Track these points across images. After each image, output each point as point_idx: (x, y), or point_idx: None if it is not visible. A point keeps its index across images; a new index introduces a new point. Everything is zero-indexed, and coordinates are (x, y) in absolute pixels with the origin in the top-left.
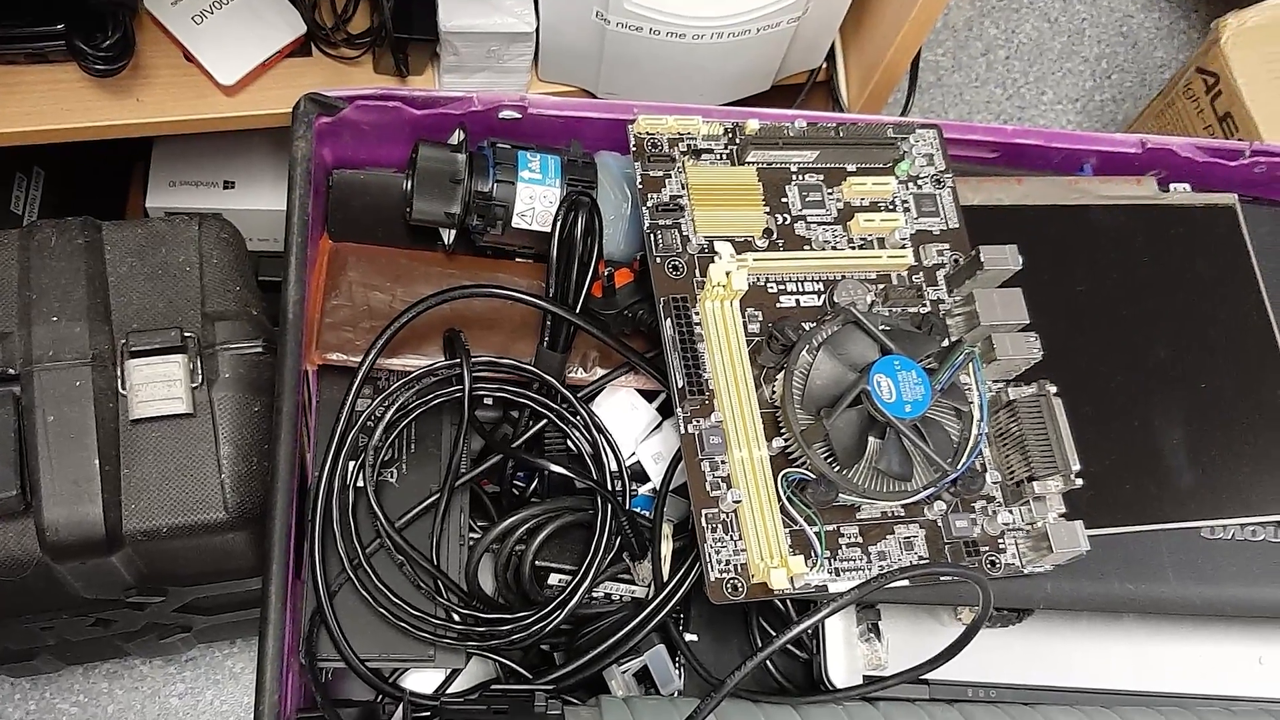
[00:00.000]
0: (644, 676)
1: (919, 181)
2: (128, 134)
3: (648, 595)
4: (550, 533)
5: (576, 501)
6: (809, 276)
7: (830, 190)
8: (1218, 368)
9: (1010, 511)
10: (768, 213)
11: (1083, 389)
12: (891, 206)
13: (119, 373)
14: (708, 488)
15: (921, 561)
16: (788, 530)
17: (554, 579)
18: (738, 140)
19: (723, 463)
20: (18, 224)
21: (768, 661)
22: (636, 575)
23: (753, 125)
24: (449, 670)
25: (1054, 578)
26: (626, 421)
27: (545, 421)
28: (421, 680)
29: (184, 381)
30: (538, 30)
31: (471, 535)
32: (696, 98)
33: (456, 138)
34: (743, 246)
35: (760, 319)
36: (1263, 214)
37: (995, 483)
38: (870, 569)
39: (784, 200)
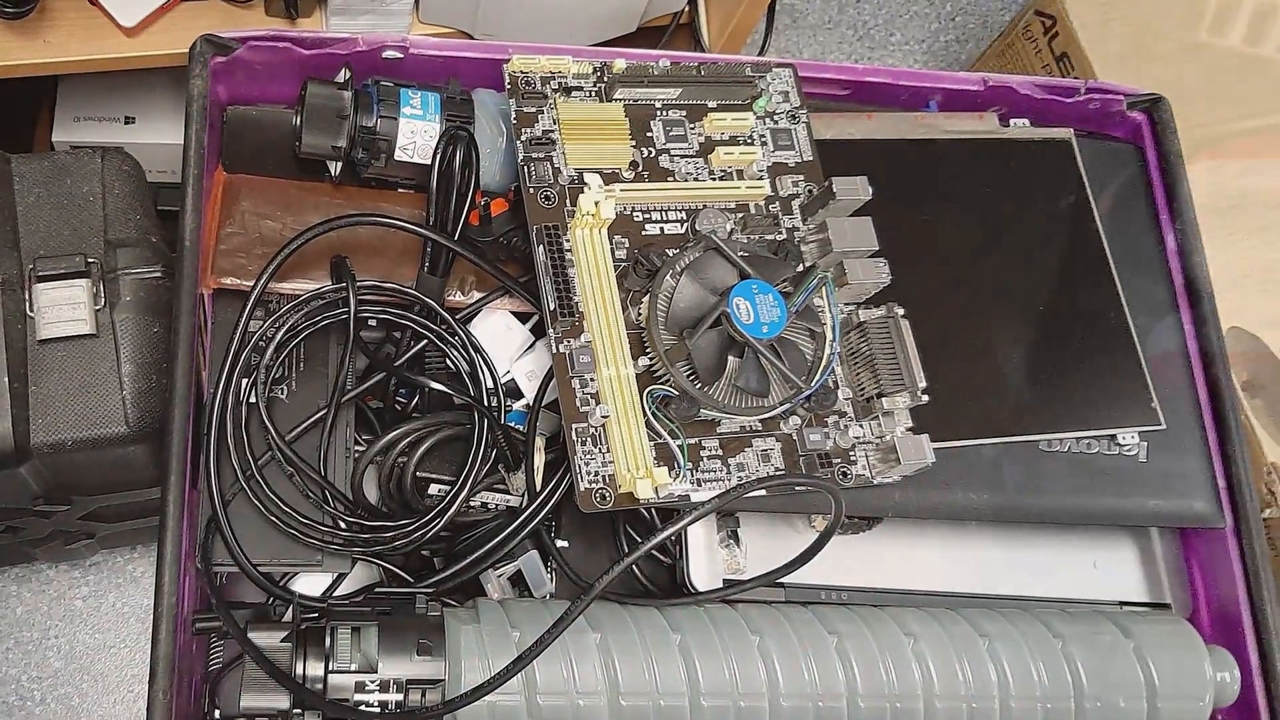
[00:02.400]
0: (518, 580)
1: (775, 117)
2: (35, 73)
3: (521, 504)
4: (430, 446)
5: (455, 416)
6: (672, 206)
7: (692, 125)
8: (1054, 291)
9: (861, 426)
10: (634, 146)
11: (929, 311)
12: (750, 140)
13: (27, 296)
14: (578, 404)
15: (778, 473)
16: (653, 443)
17: (434, 489)
18: (606, 78)
19: (592, 380)
20: None
21: (634, 566)
22: (511, 486)
23: (620, 64)
24: (336, 574)
25: (902, 488)
26: (502, 341)
27: (426, 342)
28: (310, 584)
29: (88, 304)
30: None
31: (357, 448)
32: (567, 38)
33: (343, 76)
34: (610, 178)
35: (627, 245)
36: (1096, 147)
37: (847, 399)
38: (730, 479)
39: (649, 135)
